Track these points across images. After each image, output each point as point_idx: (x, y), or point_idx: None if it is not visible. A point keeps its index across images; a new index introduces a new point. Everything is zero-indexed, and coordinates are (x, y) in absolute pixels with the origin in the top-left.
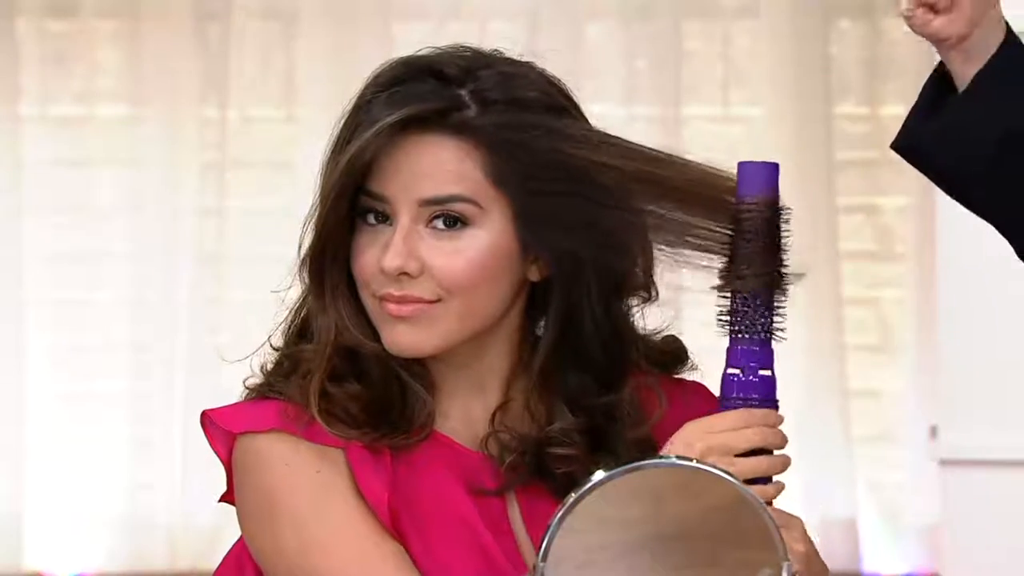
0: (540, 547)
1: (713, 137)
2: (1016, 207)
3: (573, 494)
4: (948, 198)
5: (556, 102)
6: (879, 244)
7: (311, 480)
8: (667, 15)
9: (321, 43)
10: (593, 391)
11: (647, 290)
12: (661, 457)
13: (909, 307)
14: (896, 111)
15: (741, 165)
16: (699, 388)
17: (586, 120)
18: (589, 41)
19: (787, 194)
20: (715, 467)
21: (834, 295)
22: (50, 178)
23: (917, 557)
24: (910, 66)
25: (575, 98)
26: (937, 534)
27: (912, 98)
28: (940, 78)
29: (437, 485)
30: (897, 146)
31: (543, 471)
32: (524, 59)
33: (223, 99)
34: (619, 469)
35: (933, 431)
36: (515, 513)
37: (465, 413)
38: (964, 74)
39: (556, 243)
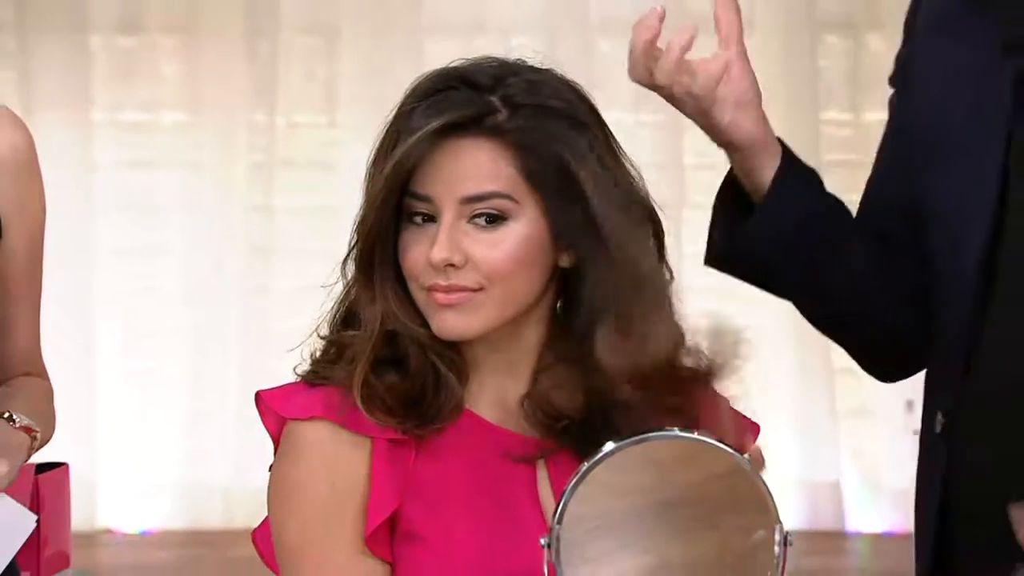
0: (555, 511)
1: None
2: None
3: (586, 463)
4: None
5: (578, 110)
6: None
7: (336, 479)
8: (669, 31)
9: (360, 56)
10: (618, 368)
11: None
12: (665, 430)
13: None
14: (877, 117)
15: None
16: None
17: (605, 127)
18: (601, 53)
19: None
20: (714, 439)
21: None
22: (118, 178)
23: (894, 517)
24: None
25: (592, 100)
26: (912, 497)
27: None
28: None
29: (460, 468)
30: (713, 259)
31: (569, 442)
32: (545, 67)
33: (271, 106)
34: (627, 440)
35: (909, 405)
36: (544, 480)
37: (497, 394)
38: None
39: (581, 235)
